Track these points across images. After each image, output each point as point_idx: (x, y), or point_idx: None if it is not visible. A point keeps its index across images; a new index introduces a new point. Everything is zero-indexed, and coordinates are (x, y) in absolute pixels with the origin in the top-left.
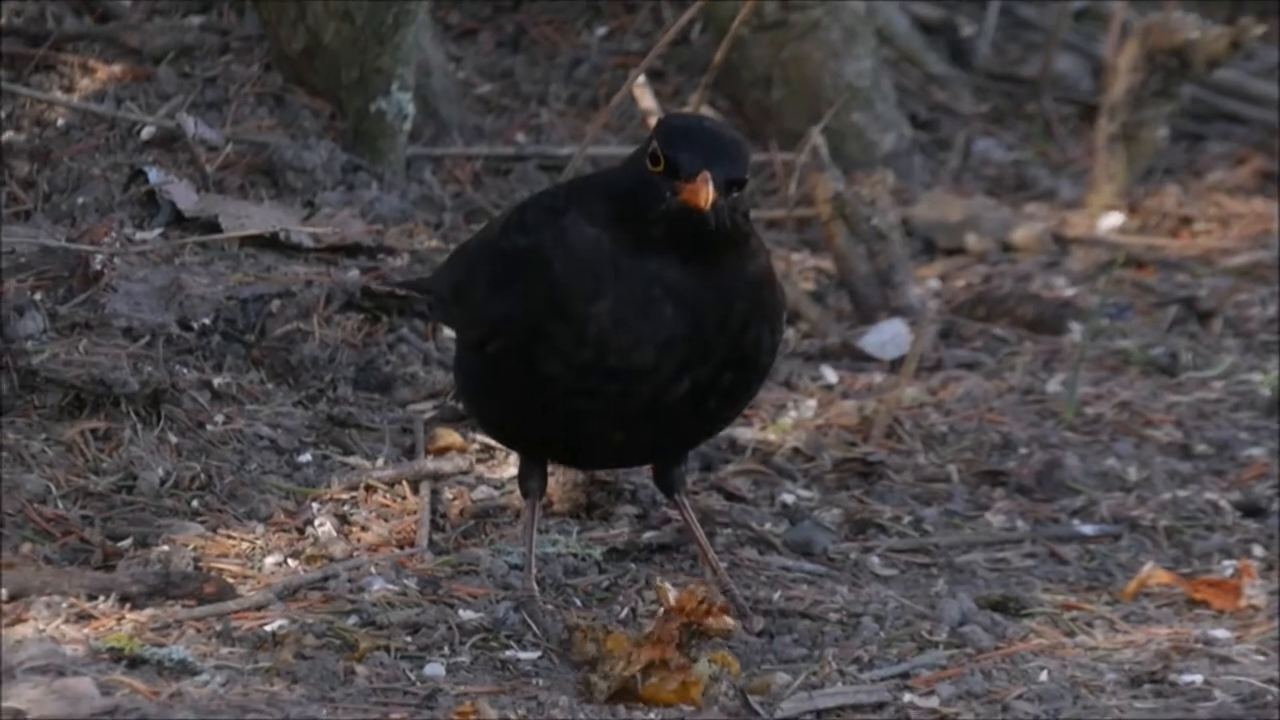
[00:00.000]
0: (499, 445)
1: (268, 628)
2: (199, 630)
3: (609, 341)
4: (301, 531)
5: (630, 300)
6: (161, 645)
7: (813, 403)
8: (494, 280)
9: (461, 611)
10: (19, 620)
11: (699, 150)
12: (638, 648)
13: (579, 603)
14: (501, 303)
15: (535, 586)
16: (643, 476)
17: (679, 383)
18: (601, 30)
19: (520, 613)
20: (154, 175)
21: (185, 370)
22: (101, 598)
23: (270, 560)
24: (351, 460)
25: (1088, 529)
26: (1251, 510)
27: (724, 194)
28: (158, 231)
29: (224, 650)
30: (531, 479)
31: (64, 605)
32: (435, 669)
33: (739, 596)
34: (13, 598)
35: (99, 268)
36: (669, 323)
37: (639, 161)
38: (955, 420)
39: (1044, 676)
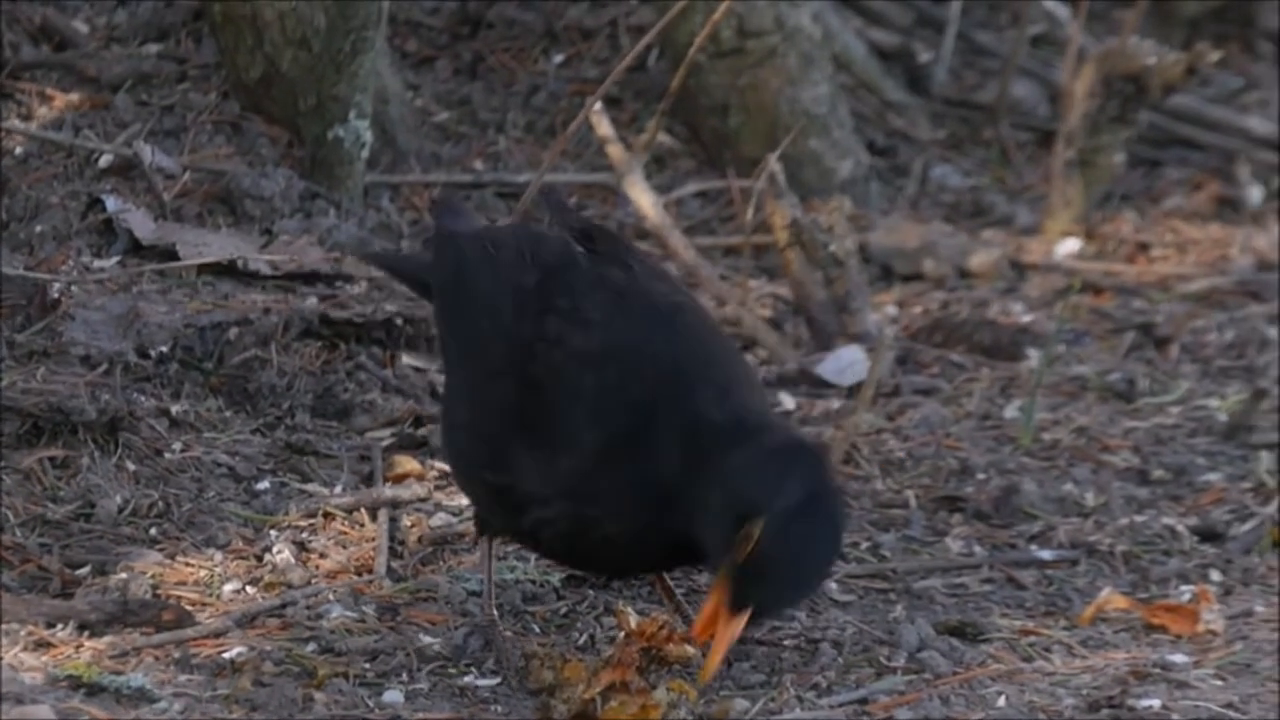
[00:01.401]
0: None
1: (226, 655)
2: (157, 658)
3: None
4: (260, 559)
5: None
6: (120, 673)
7: None
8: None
9: (420, 637)
10: None
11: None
12: (597, 672)
13: (537, 629)
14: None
15: (495, 613)
16: None
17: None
18: (559, 58)
19: (479, 639)
20: (112, 203)
21: (143, 398)
22: (60, 625)
23: (229, 587)
24: (309, 488)
25: (1045, 554)
26: (1209, 535)
27: None
28: (115, 260)
29: (182, 678)
30: (486, 520)
31: (22, 633)
32: (394, 695)
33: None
34: None
35: (56, 296)
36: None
37: None
38: (913, 446)
39: (1002, 702)
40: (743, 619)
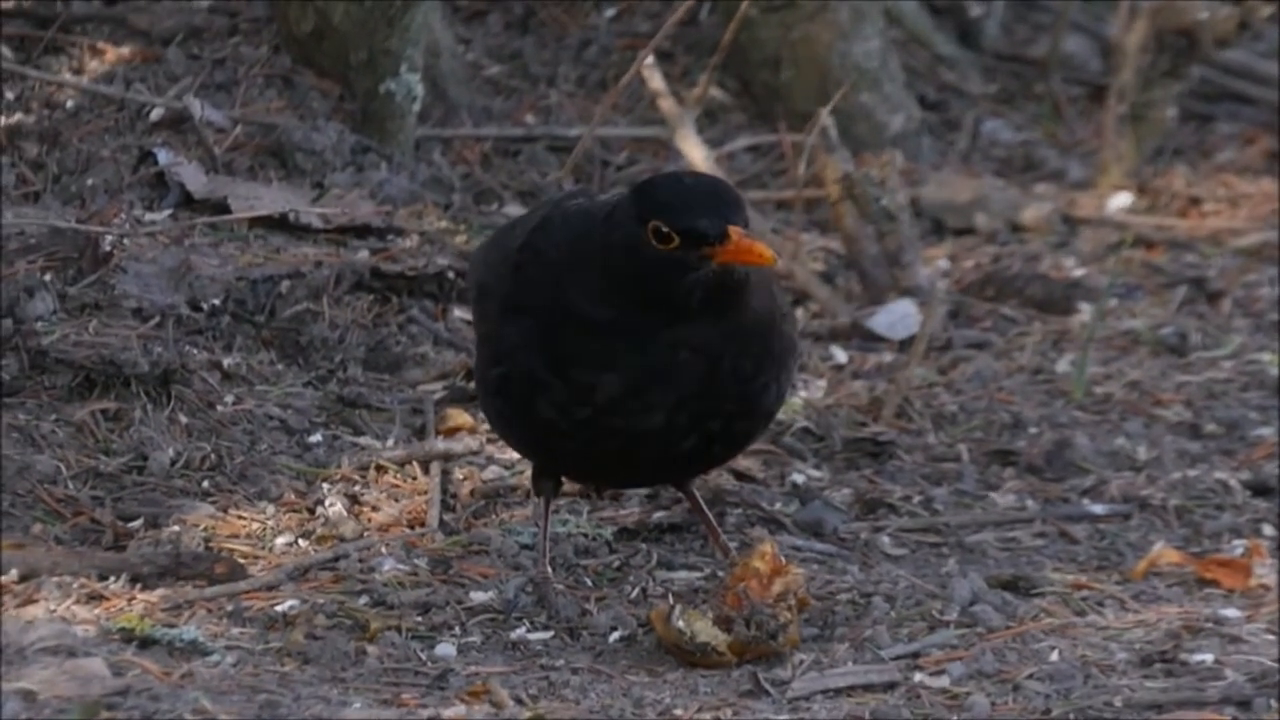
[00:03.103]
0: None
1: (279, 608)
2: (210, 611)
3: (619, 408)
4: (312, 512)
5: (645, 370)
6: (172, 626)
7: (823, 383)
8: (504, 308)
9: (472, 592)
10: (30, 601)
11: (711, 211)
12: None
13: (589, 582)
14: (510, 331)
15: (549, 569)
16: None
17: (686, 439)
18: (610, 11)
19: (534, 594)
20: (163, 157)
21: (195, 351)
22: (112, 578)
23: (281, 540)
24: (362, 441)
25: (1098, 508)
26: (1261, 490)
27: None
28: (167, 213)
29: (235, 631)
30: (543, 479)
31: (75, 586)
32: (446, 649)
33: None
34: (23, 579)
35: (109, 249)
36: (683, 385)
37: (636, 245)
38: (965, 400)
39: (1054, 656)
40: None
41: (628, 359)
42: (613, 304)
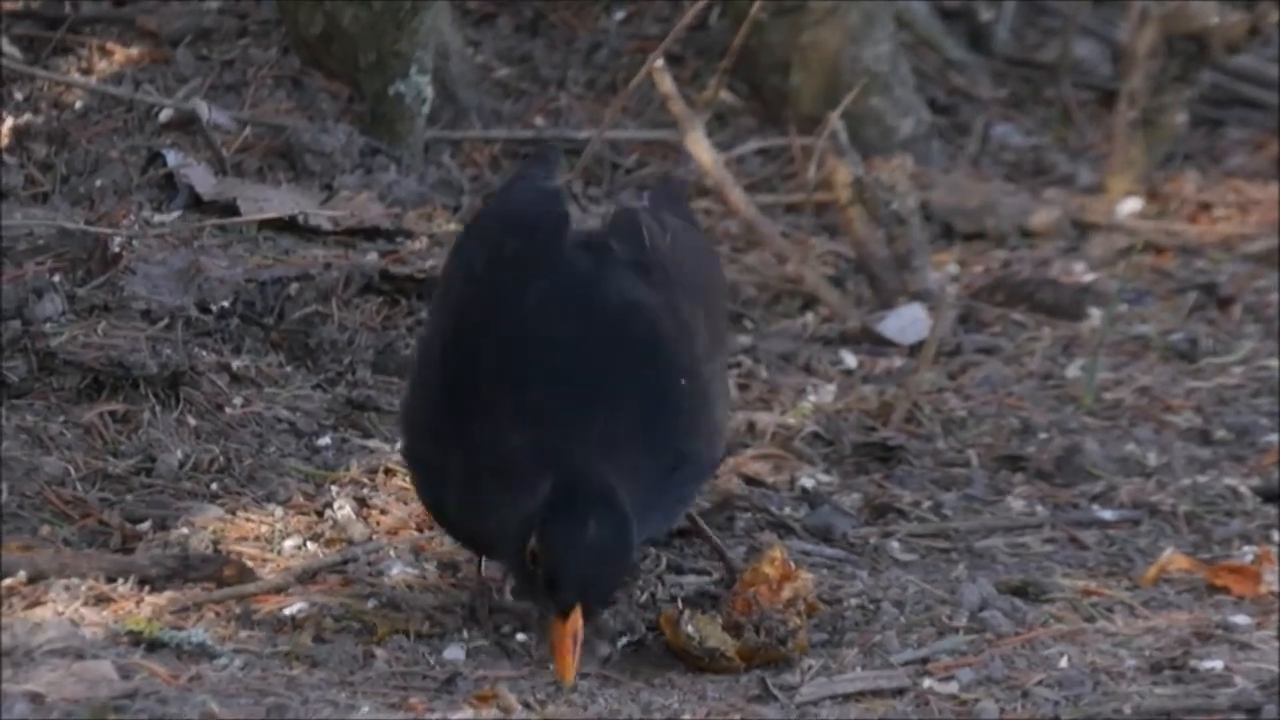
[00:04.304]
0: None
1: (287, 611)
2: (218, 613)
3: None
4: (320, 515)
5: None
6: (180, 628)
7: (832, 387)
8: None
9: None
10: (37, 603)
11: (576, 583)
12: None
13: None
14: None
15: (484, 576)
16: None
17: None
18: (620, 14)
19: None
20: (172, 158)
21: (204, 353)
22: (120, 580)
23: (289, 543)
24: (370, 443)
25: (1107, 514)
26: (1271, 496)
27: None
28: (176, 214)
29: (243, 633)
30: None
31: (83, 588)
32: (454, 652)
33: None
34: (31, 580)
35: (117, 250)
36: None
37: (512, 531)
38: (974, 405)
39: (1064, 662)
40: (574, 616)
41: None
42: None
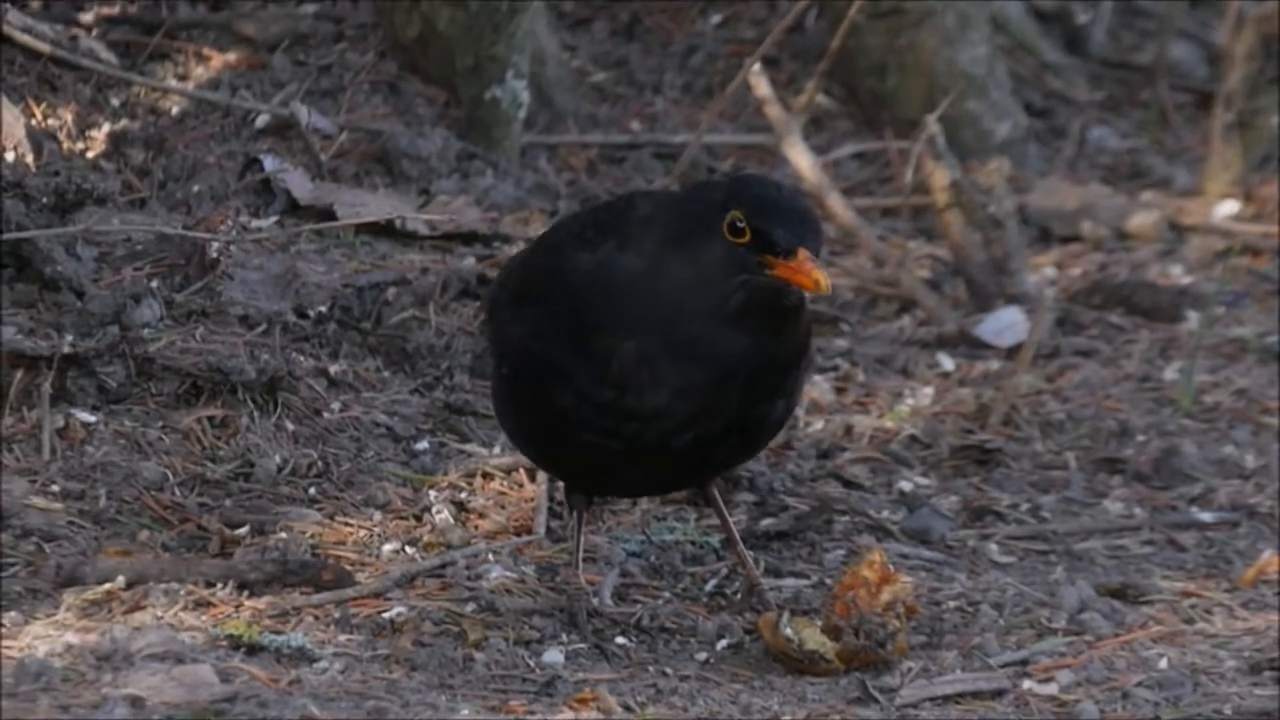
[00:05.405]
0: None
1: (386, 615)
2: (317, 617)
3: (629, 380)
4: (419, 519)
5: (660, 341)
6: (280, 632)
7: (930, 390)
8: (516, 297)
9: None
10: (137, 607)
11: (793, 225)
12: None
13: (697, 590)
14: (519, 324)
15: (583, 581)
16: (760, 464)
17: (684, 433)
18: (716, 18)
19: (565, 612)
20: (269, 163)
21: (302, 358)
22: (219, 585)
23: (388, 547)
24: (468, 448)
25: (1206, 516)
26: None
27: None
28: (273, 219)
29: (342, 637)
30: (574, 492)
31: (182, 593)
32: (554, 656)
33: (766, 591)
34: (131, 585)
35: (215, 255)
36: (692, 373)
37: (709, 224)
38: (1072, 408)
39: (1163, 663)
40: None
41: (644, 323)
42: (646, 258)
